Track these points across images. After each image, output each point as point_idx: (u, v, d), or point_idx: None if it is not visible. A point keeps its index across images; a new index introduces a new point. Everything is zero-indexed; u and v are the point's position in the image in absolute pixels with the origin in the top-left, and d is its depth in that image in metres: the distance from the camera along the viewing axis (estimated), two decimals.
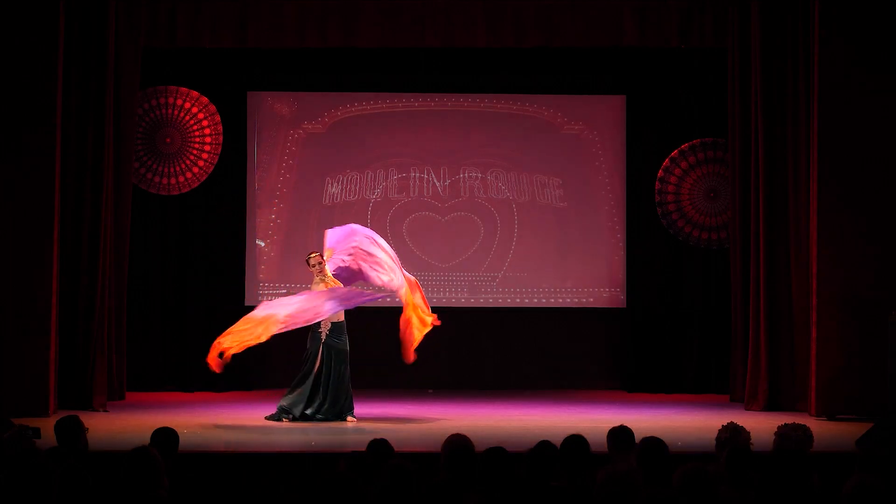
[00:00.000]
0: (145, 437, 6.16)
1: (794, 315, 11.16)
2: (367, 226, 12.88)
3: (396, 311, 12.85)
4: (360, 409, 10.94)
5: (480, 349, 12.97)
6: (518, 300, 12.97)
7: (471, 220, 13.01)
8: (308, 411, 10.06)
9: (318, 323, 10.08)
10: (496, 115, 13.03)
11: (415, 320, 10.34)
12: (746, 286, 11.50)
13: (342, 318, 10.25)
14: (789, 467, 4.95)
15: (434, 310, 12.91)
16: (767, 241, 11.23)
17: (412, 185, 12.99)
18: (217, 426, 9.86)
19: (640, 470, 5.20)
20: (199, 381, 12.29)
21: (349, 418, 10.13)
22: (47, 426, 7.15)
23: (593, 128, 13.04)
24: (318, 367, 10.13)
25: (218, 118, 12.56)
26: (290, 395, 10.14)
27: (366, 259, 10.42)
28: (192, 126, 12.55)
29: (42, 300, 10.53)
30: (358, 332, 12.80)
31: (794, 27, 11.11)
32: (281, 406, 10.11)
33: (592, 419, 10.16)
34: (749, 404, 11.21)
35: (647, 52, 12.25)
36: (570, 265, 13.01)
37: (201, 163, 12.53)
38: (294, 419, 10.02)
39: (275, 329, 9.82)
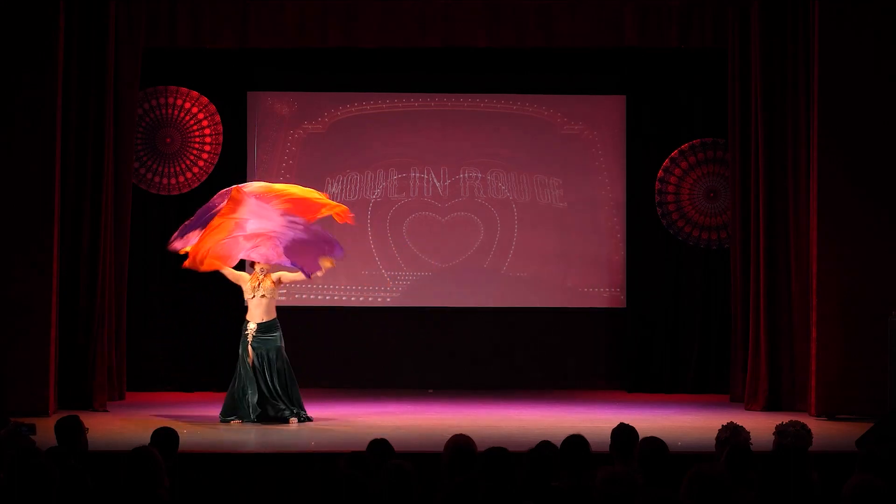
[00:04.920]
0: (145, 437, 6.17)
1: (794, 315, 11.16)
2: (367, 226, 12.94)
3: (396, 311, 12.90)
4: (361, 408, 10.97)
5: (480, 349, 12.97)
6: (518, 300, 12.97)
7: (471, 220, 13.01)
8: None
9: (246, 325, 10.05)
10: (496, 115, 13.03)
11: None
12: (746, 286, 11.50)
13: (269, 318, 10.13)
14: (788, 464, 4.96)
15: (434, 310, 12.99)
16: (767, 241, 11.23)
17: (412, 185, 12.99)
18: (217, 426, 9.86)
19: (640, 470, 5.20)
20: (199, 381, 12.30)
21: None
22: (47, 426, 7.15)
23: (593, 128, 13.04)
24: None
25: (218, 118, 12.57)
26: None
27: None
28: (192, 126, 12.56)
29: (42, 300, 10.53)
30: (357, 331, 12.87)
31: (794, 27, 11.11)
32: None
33: (592, 419, 10.16)
34: (749, 404, 11.21)
35: (647, 52, 12.25)
36: (570, 265, 13.01)
37: (201, 163, 12.53)
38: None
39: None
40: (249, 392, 9.94)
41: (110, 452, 7.47)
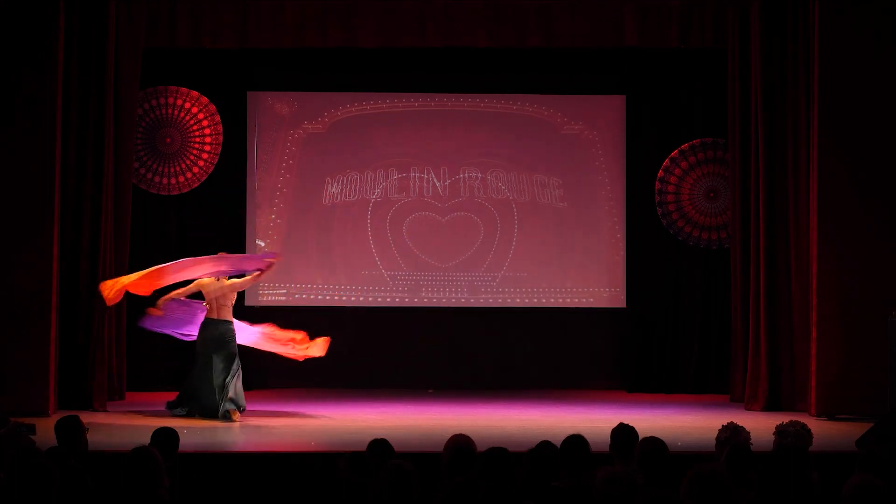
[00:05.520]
0: (145, 437, 6.17)
1: (794, 315, 11.16)
2: (367, 226, 12.94)
3: (396, 311, 12.90)
4: (361, 408, 10.98)
5: (480, 349, 12.97)
6: (518, 300, 12.97)
7: (471, 220, 13.01)
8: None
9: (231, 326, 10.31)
10: (496, 115, 13.03)
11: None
12: (746, 286, 11.51)
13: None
14: (788, 464, 4.96)
15: (434, 310, 12.98)
16: (767, 241, 11.24)
17: (412, 185, 12.99)
18: (216, 426, 9.86)
19: (640, 470, 5.20)
20: None
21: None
22: (47, 426, 7.15)
23: (593, 128, 13.04)
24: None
25: (218, 118, 12.57)
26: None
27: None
28: (192, 126, 12.56)
29: (42, 300, 10.53)
30: (357, 331, 12.85)
31: (794, 27, 11.11)
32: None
33: (592, 419, 10.16)
34: (749, 404, 11.22)
35: (647, 53, 12.26)
36: (570, 265, 13.01)
37: (201, 163, 12.53)
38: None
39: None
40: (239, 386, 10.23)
41: (110, 452, 7.47)
